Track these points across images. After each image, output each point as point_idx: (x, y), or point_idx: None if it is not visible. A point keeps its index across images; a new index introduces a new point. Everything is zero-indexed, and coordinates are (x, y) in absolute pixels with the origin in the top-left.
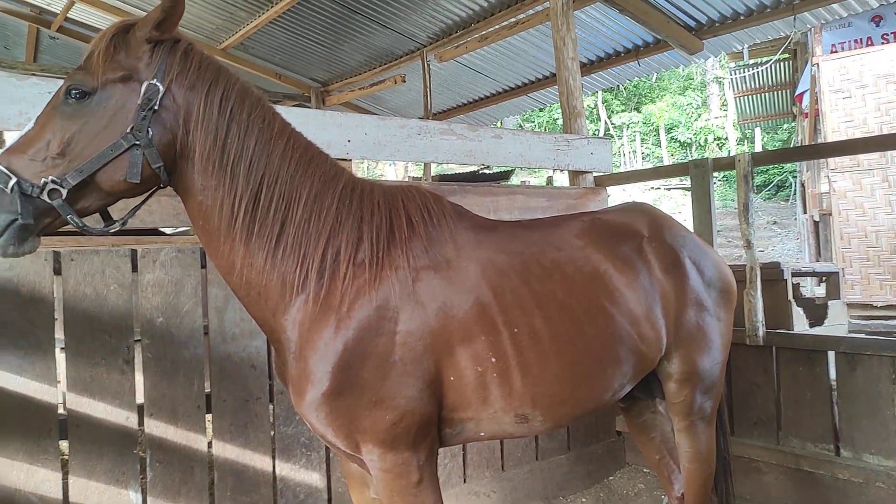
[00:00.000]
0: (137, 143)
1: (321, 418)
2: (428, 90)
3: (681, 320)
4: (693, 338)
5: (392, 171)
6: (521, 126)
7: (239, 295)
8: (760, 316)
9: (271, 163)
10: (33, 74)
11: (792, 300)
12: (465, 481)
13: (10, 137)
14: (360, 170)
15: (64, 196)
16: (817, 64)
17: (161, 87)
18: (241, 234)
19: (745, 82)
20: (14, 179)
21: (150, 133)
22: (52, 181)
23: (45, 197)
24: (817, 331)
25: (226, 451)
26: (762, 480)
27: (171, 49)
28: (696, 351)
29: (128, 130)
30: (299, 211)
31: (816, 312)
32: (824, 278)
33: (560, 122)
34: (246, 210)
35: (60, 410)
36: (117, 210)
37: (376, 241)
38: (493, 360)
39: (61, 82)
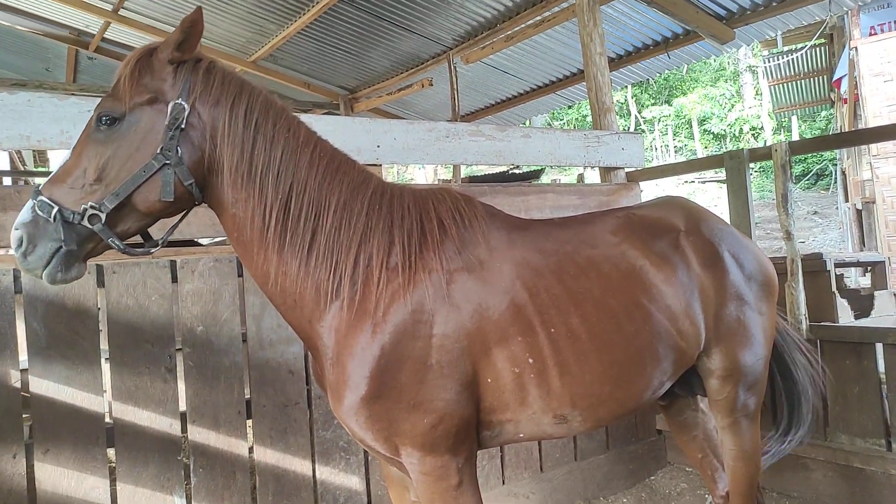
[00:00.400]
0: (168, 162)
1: (360, 423)
2: (455, 92)
3: (721, 315)
4: (734, 333)
5: (422, 175)
6: (549, 124)
7: (275, 303)
8: (803, 309)
9: (299, 171)
10: (73, 94)
11: (836, 292)
12: (503, 483)
13: (53, 156)
14: (391, 174)
15: (103, 220)
16: (856, 47)
17: (186, 106)
18: (274, 244)
19: (780, 70)
20: (56, 208)
21: (180, 151)
22: (91, 206)
23: (85, 223)
24: (864, 322)
25: (266, 455)
26: (810, 478)
27: (194, 68)
28: (737, 346)
29: (158, 151)
30: (329, 219)
31: (862, 304)
32: (869, 268)
33: (589, 118)
34: (276, 220)
35: (107, 419)
36: (156, 230)
37: (408, 245)
38: (531, 360)
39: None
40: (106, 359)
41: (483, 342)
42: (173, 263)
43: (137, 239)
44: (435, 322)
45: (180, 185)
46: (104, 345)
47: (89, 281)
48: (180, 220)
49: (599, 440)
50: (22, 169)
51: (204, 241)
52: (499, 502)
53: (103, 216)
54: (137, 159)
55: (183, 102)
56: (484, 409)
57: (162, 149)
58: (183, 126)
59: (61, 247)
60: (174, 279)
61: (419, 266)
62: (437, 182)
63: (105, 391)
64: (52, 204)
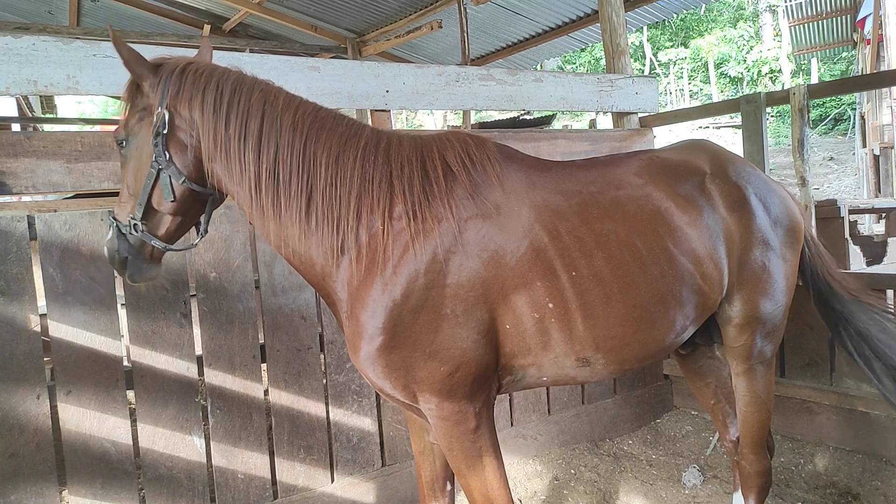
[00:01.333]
0: (161, 167)
1: (378, 372)
2: (465, 35)
3: (745, 260)
4: (758, 279)
5: (431, 121)
6: (561, 68)
7: (294, 265)
8: None
9: (283, 137)
10: (78, 38)
11: (848, 238)
12: (512, 425)
13: (60, 102)
14: (399, 120)
15: (141, 228)
16: None
17: (166, 112)
18: (269, 211)
19: (801, 9)
20: (114, 224)
21: (168, 154)
22: (132, 218)
23: (133, 232)
24: (876, 269)
25: (281, 398)
26: (814, 421)
27: (169, 76)
28: (759, 293)
29: (153, 159)
30: (322, 176)
31: (875, 250)
32: (884, 215)
33: (603, 62)
34: (266, 188)
35: (125, 363)
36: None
37: (409, 195)
38: (551, 305)
39: (106, 45)
40: (122, 304)
41: (501, 289)
42: None
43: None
44: (448, 271)
45: (177, 185)
46: (119, 290)
47: (103, 227)
48: (209, 215)
49: (607, 385)
50: (30, 115)
51: None
52: (506, 443)
53: (140, 224)
54: (143, 170)
55: (162, 110)
56: (505, 355)
57: (154, 156)
58: (165, 131)
59: (125, 256)
60: None
61: (427, 215)
62: (446, 128)
63: (122, 336)
64: (113, 220)
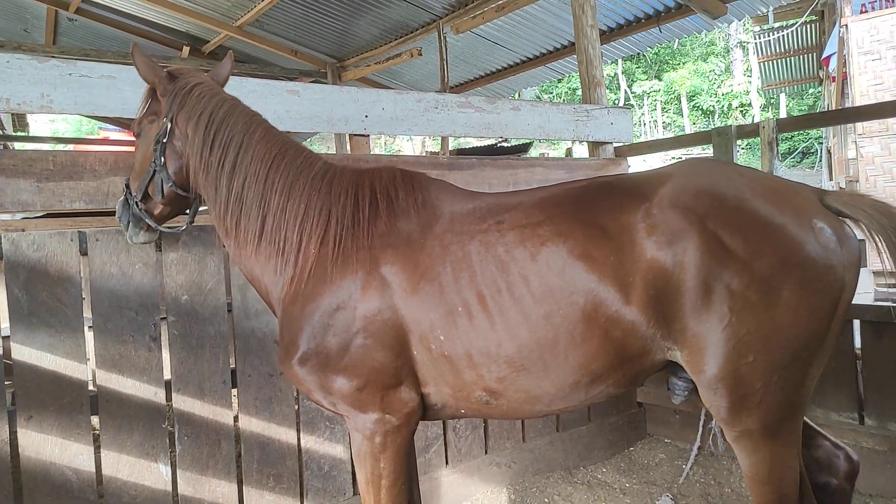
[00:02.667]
0: (156, 168)
1: (300, 380)
2: (444, 63)
3: (696, 304)
4: (716, 328)
5: (409, 147)
6: (539, 97)
7: (248, 281)
8: None
9: (251, 166)
10: (54, 57)
11: None
12: (486, 452)
13: (33, 120)
14: (378, 145)
15: (140, 206)
16: (846, 25)
17: (169, 123)
18: (234, 231)
19: (770, 46)
20: (125, 192)
21: (163, 160)
22: (134, 196)
23: (134, 205)
24: None
25: (252, 424)
26: None
27: (178, 90)
28: (723, 346)
29: (152, 160)
30: (275, 202)
31: None
32: None
33: (579, 92)
34: (233, 211)
35: (91, 387)
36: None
37: (340, 223)
38: (442, 338)
39: (81, 64)
40: (89, 327)
41: (405, 317)
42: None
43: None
44: (359, 296)
45: (167, 186)
46: (87, 313)
47: (72, 248)
48: (195, 211)
49: (582, 412)
50: (1, 133)
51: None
52: (481, 471)
53: (140, 204)
54: (145, 165)
55: (167, 121)
56: (419, 381)
57: (154, 158)
58: (165, 140)
59: (128, 222)
60: (158, 248)
61: (349, 242)
62: (424, 154)
63: (88, 359)
64: (125, 188)
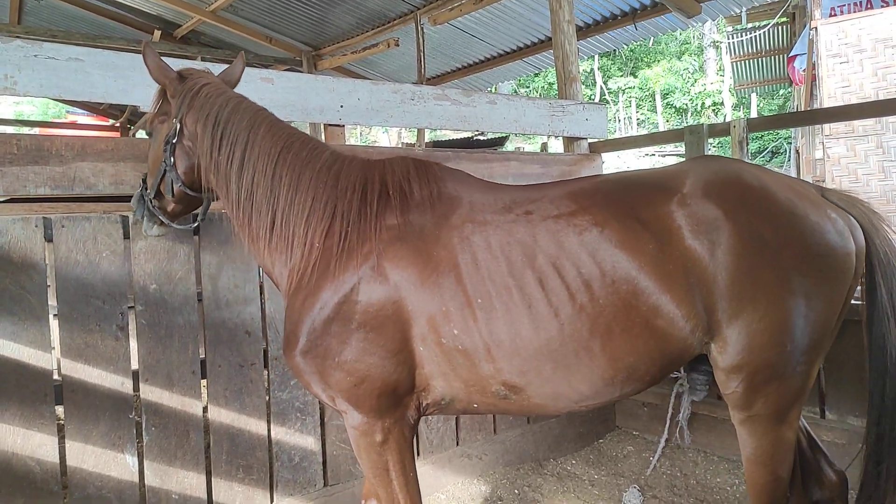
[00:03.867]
0: (167, 168)
1: (300, 372)
2: (422, 54)
3: (727, 294)
4: (746, 316)
5: (385, 138)
6: (515, 91)
7: (273, 282)
8: None
9: (259, 162)
10: (18, 37)
11: None
12: (457, 444)
13: None
14: (353, 136)
15: (153, 203)
16: (816, 28)
17: (178, 124)
18: (248, 227)
19: (742, 47)
20: (141, 187)
21: (172, 161)
22: (148, 193)
23: (148, 201)
24: None
25: (221, 415)
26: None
27: (187, 91)
28: (749, 333)
29: (163, 160)
30: (283, 197)
31: None
32: None
33: (556, 87)
34: (245, 208)
35: (55, 376)
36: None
37: (346, 216)
38: (456, 332)
39: (48, 45)
40: (54, 315)
41: (412, 311)
42: (125, 219)
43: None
44: (360, 290)
45: (177, 186)
46: (52, 301)
47: (36, 234)
48: (206, 208)
49: None
50: None
51: None
52: (452, 463)
53: (153, 201)
54: (156, 164)
55: (177, 122)
56: (423, 376)
57: (164, 158)
58: (175, 140)
59: (142, 216)
60: (126, 235)
61: (355, 237)
62: (400, 146)
63: (53, 348)
64: (142, 184)
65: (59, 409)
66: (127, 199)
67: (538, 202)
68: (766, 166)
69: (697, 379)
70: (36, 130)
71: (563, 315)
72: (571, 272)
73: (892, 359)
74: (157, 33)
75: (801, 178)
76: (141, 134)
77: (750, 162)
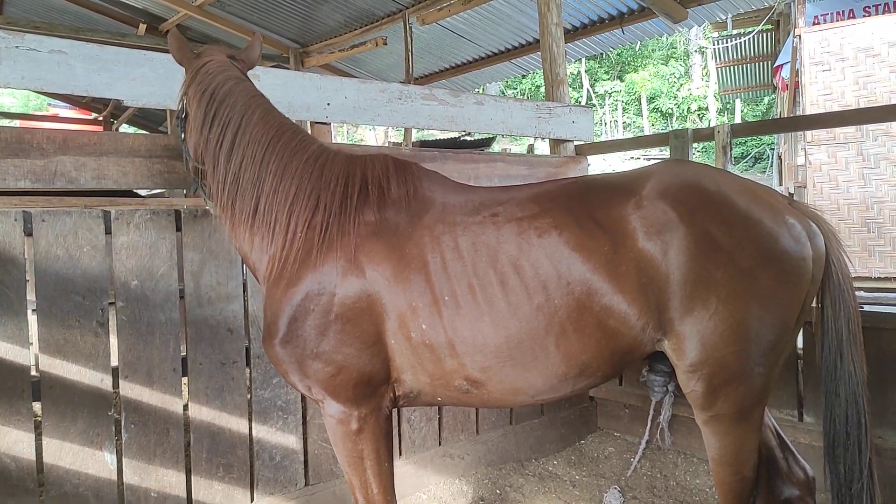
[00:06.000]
0: (181, 142)
1: (278, 361)
2: (409, 54)
3: (680, 294)
4: (699, 316)
5: (372, 137)
6: (503, 93)
7: (248, 267)
8: None
9: (248, 147)
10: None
11: None
12: (440, 444)
13: None
14: (340, 134)
15: (196, 179)
16: (799, 35)
17: (185, 99)
18: (230, 210)
19: (728, 53)
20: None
21: (183, 136)
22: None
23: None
24: None
25: (202, 413)
26: None
27: (195, 68)
28: (703, 333)
29: (178, 135)
30: (268, 184)
31: None
32: None
33: (543, 89)
34: (230, 190)
35: (33, 372)
36: None
37: (328, 209)
38: (424, 327)
39: (30, 37)
40: (33, 310)
41: (385, 306)
42: (107, 214)
43: None
44: (338, 283)
45: (190, 160)
46: (31, 296)
47: (15, 228)
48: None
49: (535, 406)
50: None
51: (142, 193)
52: (434, 462)
53: (194, 176)
54: (179, 136)
55: (184, 96)
56: (395, 368)
57: (178, 132)
58: (183, 115)
59: (195, 189)
60: (108, 231)
61: (335, 229)
62: (387, 145)
63: (31, 344)
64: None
65: (37, 406)
66: (109, 193)
67: (505, 204)
68: (749, 171)
69: (655, 380)
70: (16, 123)
71: (520, 314)
72: (530, 273)
73: (844, 383)
74: (143, 27)
75: (783, 183)
76: (124, 128)
77: (719, 168)
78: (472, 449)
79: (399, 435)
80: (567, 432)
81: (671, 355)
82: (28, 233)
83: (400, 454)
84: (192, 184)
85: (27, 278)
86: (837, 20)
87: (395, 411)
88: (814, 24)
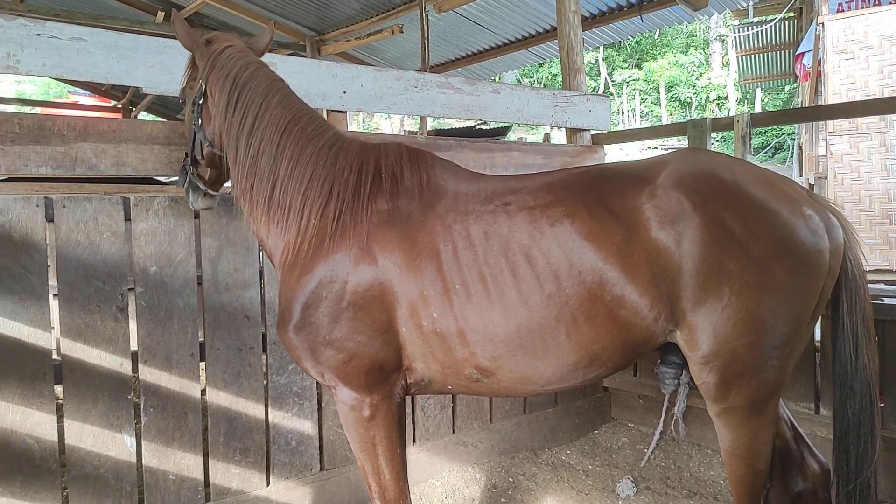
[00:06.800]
0: (196, 129)
1: (292, 347)
2: (426, 42)
3: (694, 284)
4: (713, 307)
5: (388, 125)
6: (519, 81)
7: (263, 251)
8: None
9: (267, 131)
10: (21, 15)
11: None
12: (454, 432)
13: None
14: (356, 123)
15: (190, 171)
16: (822, 23)
17: (204, 85)
18: (249, 193)
19: (749, 41)
20: (182, 160)
21: (199, 121)
22: (188, 163)
23: (189, 171)
24: None
25: (219, 398)
26: None
27: (212, 53)
28: (717, 324)
29: (192, 121)
30: (284, 168)
31: None
32: None
33: (559, 78)
34: (249, 173)
35: (55, 356)
36: None
37: (341, 196)
38: (435, 315)
39: (51, 24)
40: (54, 295)
41: (396, 294)
42: (126, 201)
43: None
44: (351, 270)
45: (204, 147)
46: (52, 281)
47: (37, 214)
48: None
49: (549, 395)
50: None
51: (162, 179)
52: (447, 450)
53: (190, 168)
54: (189, 128)
55: (202, 82)
56: (407, 356)
57: (193, 119)
58: (201, 101)
59: (186, 188)
60: (127, 217)
61: (348, 217)
62: (403, 133)
63: (53, 328)
64: (185, 156)
65: (59, 389)
66: (128, 181)
67: (517, 193)
68: (769, 162)
69: (666, 372)
70: (37, 110)
71: (531, 303)
72: (541, 262)
73: (859, 377)
74: (161, 14)
75: (804, 174)
76: (143, 116)
77: (737, 157)
78: (486, 437)
79: (413, 422)
80: (581, 422)
81: (683, 347)
82: (49, 219)
83: (414, 441)
84: (182, 176)
85: (48, 263)
86: (862, 7)
87: (408, 399)
88: (838, 11)
